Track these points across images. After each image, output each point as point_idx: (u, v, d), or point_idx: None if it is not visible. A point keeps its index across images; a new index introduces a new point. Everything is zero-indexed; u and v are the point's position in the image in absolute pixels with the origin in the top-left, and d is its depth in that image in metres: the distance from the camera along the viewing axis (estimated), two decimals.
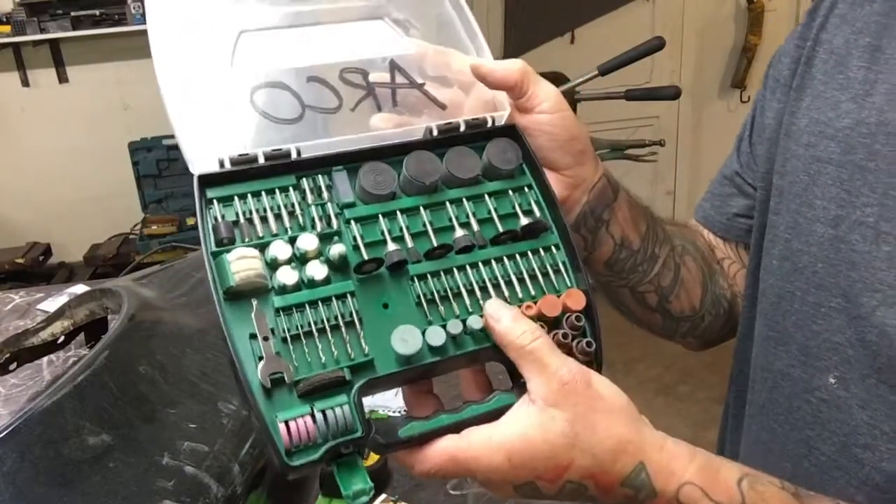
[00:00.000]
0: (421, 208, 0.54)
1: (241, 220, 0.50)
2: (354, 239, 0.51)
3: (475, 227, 0.54)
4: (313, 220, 0.51)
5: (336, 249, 0.50)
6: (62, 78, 3.14)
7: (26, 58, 3.08)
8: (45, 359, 1.04)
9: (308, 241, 0.50)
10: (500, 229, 0.54)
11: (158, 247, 2.62)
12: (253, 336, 0.47)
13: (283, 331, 0.47)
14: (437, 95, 0.59)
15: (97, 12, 2.92)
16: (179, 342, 0.77)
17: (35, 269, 2.98)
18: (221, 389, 0.73)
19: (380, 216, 0.53)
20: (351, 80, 0.57)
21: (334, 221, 0.52)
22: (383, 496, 0.85)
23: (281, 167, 0.52)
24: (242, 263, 0.47)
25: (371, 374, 0.48)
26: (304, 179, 0.52)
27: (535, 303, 0.52)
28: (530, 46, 3.43)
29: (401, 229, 0.53)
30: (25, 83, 3.11)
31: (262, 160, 0.51)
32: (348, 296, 0.50)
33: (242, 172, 0.51)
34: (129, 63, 3.09)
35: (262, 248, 0.49)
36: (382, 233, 0.52)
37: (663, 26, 3.42)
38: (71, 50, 3.09)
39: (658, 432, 0.50)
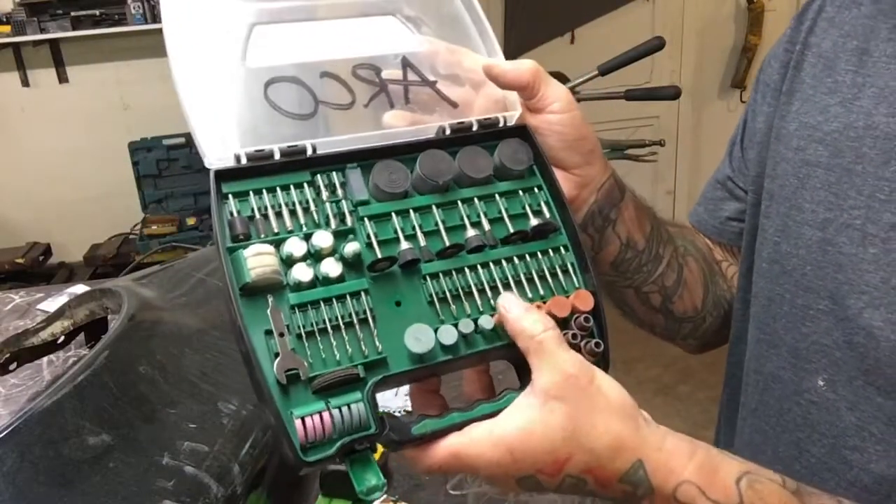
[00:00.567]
0: (433, 207, 0.54)
1: (257, 215, 0.50)
2: (368, 237, 0.52)
3: (486, 226, 0.55)
4: (328, 217, 0.52)
5: (351, 247, 0.50)
6: (62, 78, 3.13)
7: (26, 58, 3.08)
8: (45, 359, 1.04)
9: (323, 239, 0.50)
10: (511, 229, 0.55)
11: (158, 247, 2.62)
12: (268, 332, 0.47)
13: (299, 327, 0.48)
14: (448, 93, 0.59)
15: (97, 12, 2.92)
16: (179, 342, 0.77)
17: (35, 269, 2.98)
18: (221, 389, 0.73)
19: (393, 214, 0.53)
20: (363, 77, 0.57)
21: (348, 219, 0.52)
22: (383, 496, 0.85)
23: (296, 163, 0.52)
24: (258, 260, 0.47)
25: (385, 372, 0.49)
26: (319, 176, 0.53)
27: (545, 303, 0.53)
28: (530, 46, 3.42)
29: (413, 228, 0.53)
30: (25, 83, 3.11)
31: (277, 156, 0.52)
32: (362, 293, 0.50)
33: (258, 168, 0.51)
34: (129, 63, 3.09)
35: (278, 244, 0.50)
36: (395, 231, 0.53)
37: (663, 26, 3.42)
38: (71, 50, 3.09)
39: (660, 428, 0.50)
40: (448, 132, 0.57)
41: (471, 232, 0.54)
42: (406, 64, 0.59)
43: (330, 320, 0.48)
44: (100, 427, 0.62)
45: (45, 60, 3.09)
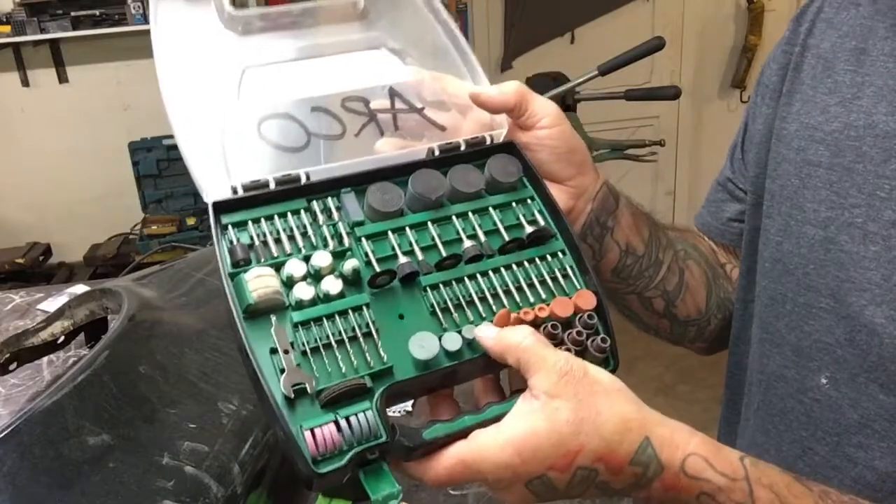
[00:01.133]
0: (429, 223, 0.55)
1: (256, 242, 0.51)
2: (366, 254, 0.53)
3: (482, 237, 0.56)
4: (325, 239, 0.53)
5: (349, 264, 0.51)
6: (62, 78, 3.13)
7: (26, 58, 3.08)
8: (45, 359, 1.04)
9: (322, 258, 0.51)
10: (507, 238, 0.56)
11: (158, 247, 2.62)
12: (273, 351, 0.48)
13: (303, 344, 0.48)
14: (435, 119, 0.61)
15: (97, 12, 2.92)
16: (179, 342, 0.77)
17: (35, 269, 2.98)
18: (221, 389, 0.73)
19: (389, 232, 0.54)
20: (353, 108, 0.59)
21: (346, 239, 0.53)
22: None
23: (292, 191, 0.54)
24: (260, 282, 0.48)
25: (391, 380, 0.49)
26: (315, 202, 0.54)
27: (547, 305, 0.53)
28: (530, 46, 3.43)
29: (410, 244, 0.54)
30: (25, 83, 3.11)
31: (273, 185, 0.53)
32: (364, 307, 0.51)
33: (255, 198, 0.53)
34: (129, 63, 3.09)
35: (278, 267, 0.51)
36: (393, 247, 0.54)
37: (663, 26, 3.42)
38: (71, 50, 3.09)
39: (655, 411, 0.50)
40: (437, 153, 0.58)
41: (467, 243, 0.55)
42: (393, 94, 0.61)
43: (333, 335, 0.49)
44: (100, 427, 0.62)
45: (45, 60, 3.09)
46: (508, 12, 3.39)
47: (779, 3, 3.49)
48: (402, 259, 0.53)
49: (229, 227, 0.52)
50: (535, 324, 0.52)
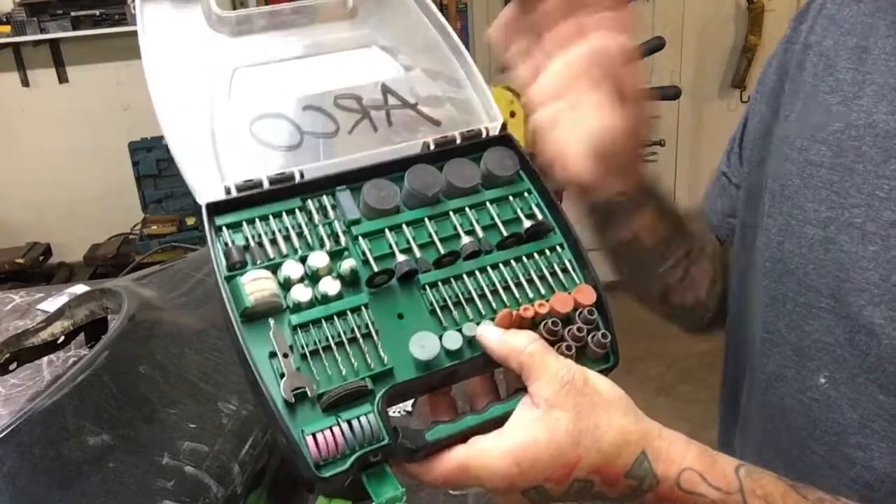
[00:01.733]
0: (426, 219, 0.55)
1: (252, 244, 0.51)
2: (363, 254, 0.52)
3: (480, 233, 0.55)
4: (321, 238, 0.52)
5: (347, 264, 0.51)
6: (62, 78, 3.14)
7: (26, 58, 3.08)
8: (45, 359, 1.04)
9: (319, 259, 0.50)
10: (504, 234, 0.55)
11: (158, 247, 2.62)
12: (272, 354, 0.47)
13: (302, 347, 0.48)
14: (430, 114, 0.60)
15: (97, 12, 2.92)
16: (179, 342, 0.77)
17: (35, 269, 2.98)
18: (221, 389, 0.73)
19: (386, 230, 0.54)
20: (345, 106, 0.59)
21: (342, 238, 0.53)
22: None
23: (286, 190, 0.53)
24: (256, 285, 0.48)
25: (392, 382, 0.49)
26: (310, 200, 0.54)
27: (547, 301, 0.53)
28: None
29: (408, 241, 0.54)
30: (25, 83, 3.12)
31: (266, 185, 0.53)
32: (362, 308, 0.50)
33: (249, 198, 0.52)
34: (129, 63, 3.09)
35: (274, 269, 0.50)
36: (390, 246, 0.53)
37: (663, 26, 3.42)
38: (71, 50, 3.09)
39: (654, 422, 0.50)
40: (433, 147, 0.57)
41: (465, 239, 0.54)
42: (386, 90, 0.60)
43: (333, 337, 0.49)
44: (100, 427, 0.62)
45: (45, 60, 3.09)
46: None
47: (779, 3, 3.48)
48: (400, 257, 0.52)
49: (224, 228, 0.51)
50: (536, 321, 0.52)
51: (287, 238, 0.52)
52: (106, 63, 3.12)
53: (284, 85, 0.59)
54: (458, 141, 0.58)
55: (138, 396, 0.68)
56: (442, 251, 0.53)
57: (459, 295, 0.53)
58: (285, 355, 0.47)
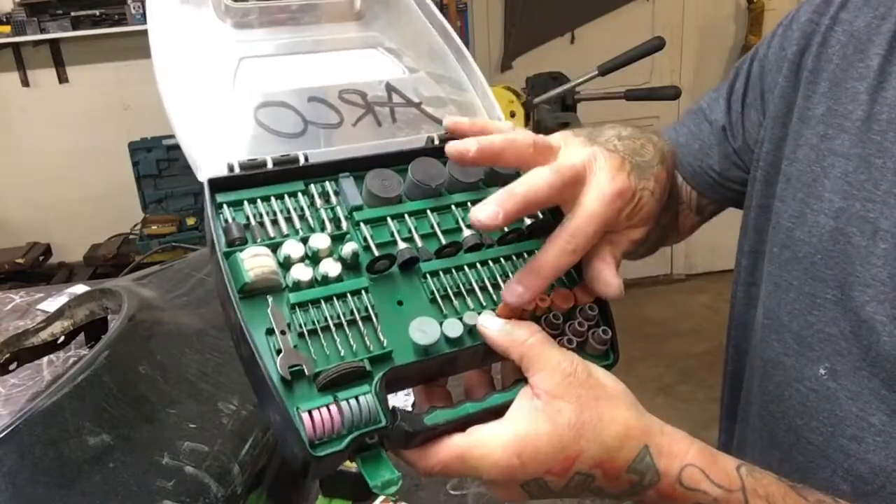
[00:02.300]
0: (428, 211, 0.55)
1: (252, 222, 0.50)
2: (365, 239, 0.52)
3: None
4: (323, 222, 0.52)
5: (349, 247, 0.50)
6: (62, 78, 3.14)
7: (26, 58, 3.08)
8: (45, 359, 1.04)
9: (320, 240, 0.50)
10: (506, 229, 0.55)
11: (158, 247, 2.62)
12: (269, 332, 0.46)
13: (300, 326, 0.47)
14: (433, 113, 0.61)
15: (97, 12, 2.92)
16: (179, 342, 0.77)
17: (35, 269, 2.98)
18: (221, 389, 0.73)
19: (388, 218, 0.54)
20: (350, 100, 0.59)
21: (344, 223, 0.52)
22: (383, 496, 0.85)
23: (289, 172, 0.53)
24: (256, 261, 0.47)
25: (390, 365, 0.48)
26: (313, 185, 0.53)
27: (548, 296, 0.53)
28: (530, 46, 3.42)
29: (409, 230, 0.54)
30: (25, 83, 3.12)
31: (270, 165, 0.52)
32: (363, 291, 0.50)
33: (251, 177, 0.52)
34: (129, 63, 3.09)
35: (274, 248, 0.50)
36: (392, 233, 0.53)
37: (663, 26, 3.42)
38: (71, 50, 3.09)
39: (655, 418, 0.50)
40: (437, 142, 0.58)
41: (467, 232, 0.54)
42: (390, 89, 0.61)
43: (332, 318, 0.48)
44: (100, 427, 0.62)
45: (45, 60, 3.09)
46: (508, 12, 3.39)
47: (779, 3, 3.48)
48: (402, 245, 0.52)
49: (224, 205, 0.50)
50: (537, 315, 0.52)
51: (288, 219, 0.51)
52: (106, 63, 3.12)
53: (289, 77, 0.59)
54: None
55: (138, 396, 0.68)
56: (444, 242, 0.53)
57: (460, 285, 0.52)
58: (283, 332, 0.46)
